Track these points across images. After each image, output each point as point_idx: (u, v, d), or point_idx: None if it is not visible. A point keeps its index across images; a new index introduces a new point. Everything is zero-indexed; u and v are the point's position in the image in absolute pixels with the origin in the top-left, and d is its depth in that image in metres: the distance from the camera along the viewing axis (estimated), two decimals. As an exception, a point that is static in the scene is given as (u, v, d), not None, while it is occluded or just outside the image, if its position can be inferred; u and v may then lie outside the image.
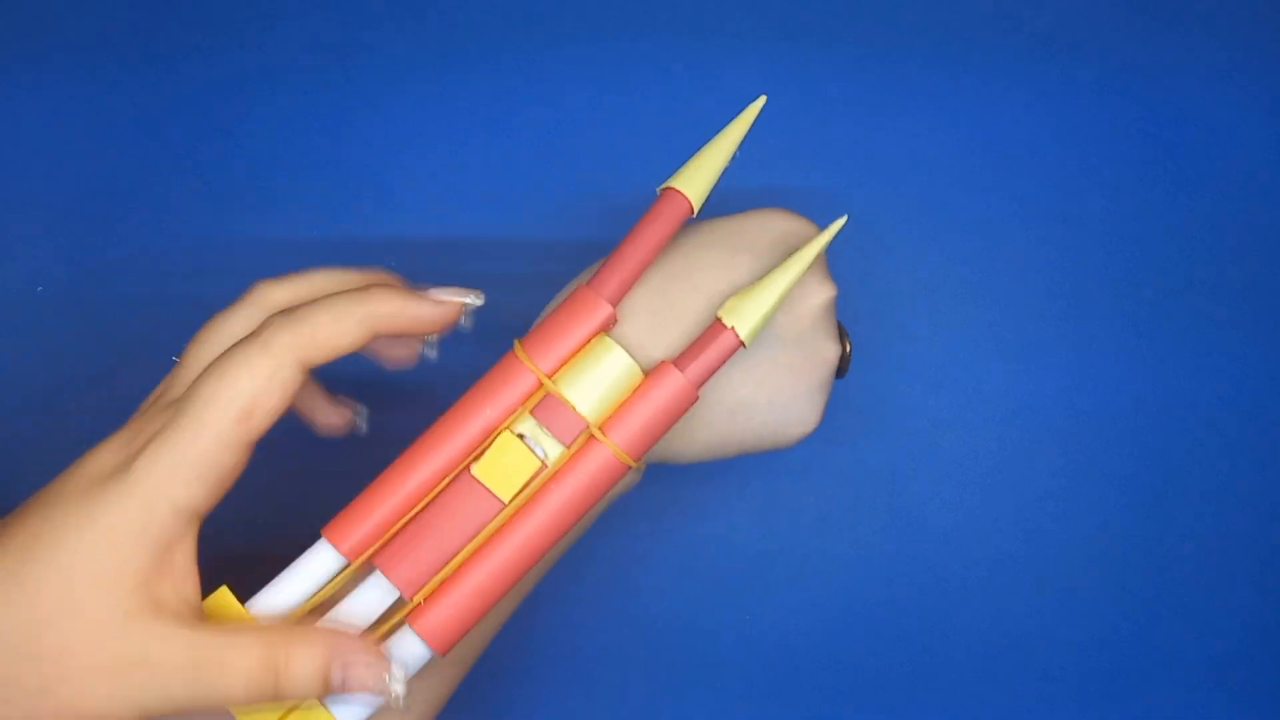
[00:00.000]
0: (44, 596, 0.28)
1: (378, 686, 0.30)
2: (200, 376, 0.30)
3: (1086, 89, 0.46)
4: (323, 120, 0.45)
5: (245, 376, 0.29)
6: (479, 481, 0.31)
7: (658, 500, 0.45)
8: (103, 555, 0.28)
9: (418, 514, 0.31)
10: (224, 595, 0.31)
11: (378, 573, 0.31)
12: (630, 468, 0.32)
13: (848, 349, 0.37)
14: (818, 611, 0.45)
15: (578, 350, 0.32)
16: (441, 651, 0.31)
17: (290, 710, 0.30)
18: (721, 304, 0.34)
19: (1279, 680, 0.45)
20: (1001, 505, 0.45)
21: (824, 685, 0.45)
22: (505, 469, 0.31)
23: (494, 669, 0.45)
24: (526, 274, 0.43)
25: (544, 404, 0.32)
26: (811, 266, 0.35)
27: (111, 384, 0.43)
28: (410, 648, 0.31)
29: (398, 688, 0.30)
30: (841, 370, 0.37)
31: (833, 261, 0.45)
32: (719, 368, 0.33)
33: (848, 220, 0.32)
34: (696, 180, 0.33)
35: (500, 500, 0.31)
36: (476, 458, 0.32)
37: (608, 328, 0.33)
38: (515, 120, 0.46)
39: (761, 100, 0.34)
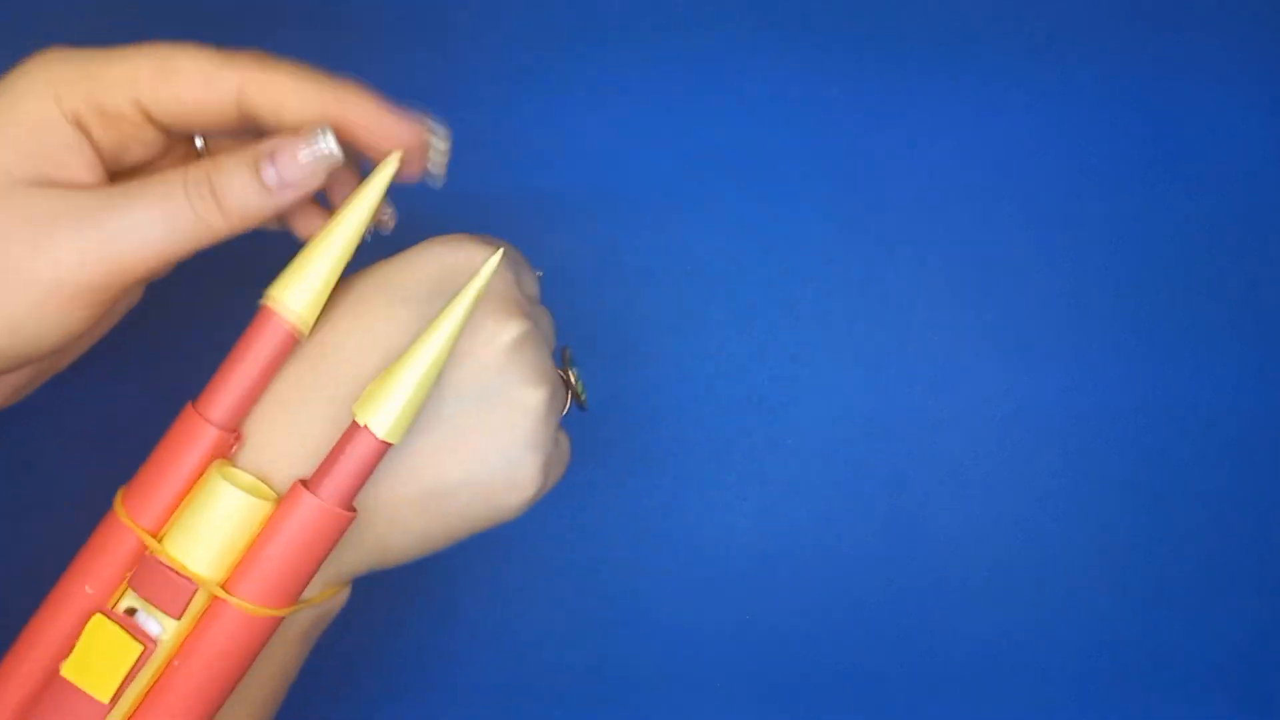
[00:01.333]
0: None
1: (314, 149, 0.27)
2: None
3: (1086, 89, 0.46)
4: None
5: (187, 56, 0.28)
6: (71, 684, 0.25)
7: (657, 502, 0.45)
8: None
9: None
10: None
11: None
12: (276, 620, 0.26)
13: (574, 378, 0.32)
14: (818, 612, 0.45)
15: (186, 491, 0.26)
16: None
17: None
18: (377, 371, 0.28)
19: (1278, 682, 0.45)
20: (1001, 506, 0.45)
21: (824, 686, 0.45)
22: (99, 662, 0.25)
23: (489, 677, 0.45)
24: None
25: (143, 570, 0.26)
26: (476, 309, 0.28)
27: (111, 384, 0.43)
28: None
29: (329, 143, 0.27)
30: (580, 403, 0.32)
31: (833, 261, 0.45)
32: (369, 474, 0.26)
33: (501, 255, 0.28)
34: (305, 292, 0.27)
35: (100, 703, 0.25)
36: (66, 654, 0.26)
37: (223, 452, 0.27)
38: (515, 120, 0.46)
39: (395, 157, 0.29)
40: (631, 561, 0.45)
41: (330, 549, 0.27)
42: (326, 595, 0.29)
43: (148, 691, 0.26)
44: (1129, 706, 0.45)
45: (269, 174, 0.27)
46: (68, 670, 0.26)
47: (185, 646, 0.26)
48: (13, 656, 0.26)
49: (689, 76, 0.46)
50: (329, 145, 0.27)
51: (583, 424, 0.35)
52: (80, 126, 0.28)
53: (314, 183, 0.27)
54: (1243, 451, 0.46)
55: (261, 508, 0.26)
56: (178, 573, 0.26)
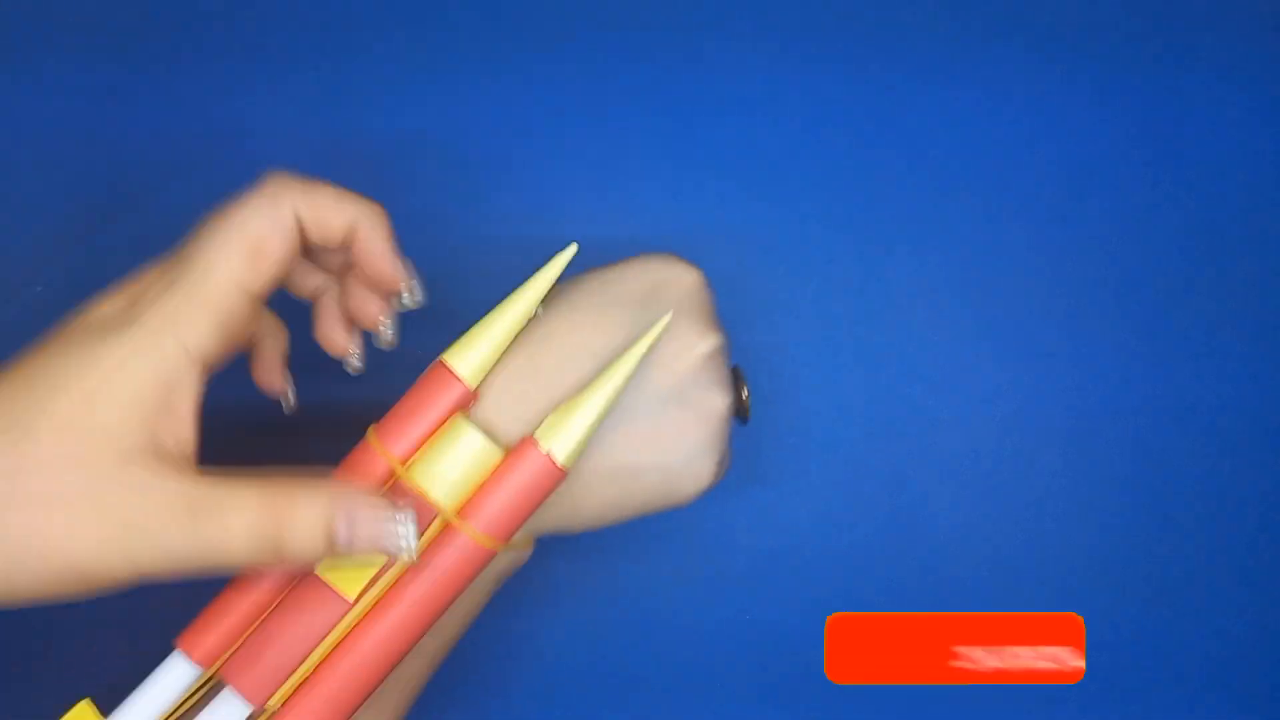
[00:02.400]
0: (39, 439, 0.26)
1: (389, 543, 0.29)
2: (204, 226, 0.29)
3: (1086, 89, 0.46)
4: (323, 121, 0.45)
5: (252, 217, 0.29)
6: (323, 581, 0.30)
7: (658, 501, 0.45)
8: (104, 397, 0.27)
9: (267, 620, 0.30)
10: (85, 710, 0.29)
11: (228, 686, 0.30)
12: (494, 552, 0.31)
13: (744, 395, 0.36)
14: (818, 612, 0.45)
15: (432, 433, 0.31)
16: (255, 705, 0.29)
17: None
18: (595, 366, 0.32)
19: (1278, 681, 0.45)
20: (1001, 505, 0.45)
21: (824, 686, 0.45)
22: (349, 565, 0.30)
23: (488, 677, 0.45)
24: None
25: (393, 492, 0.30)
26: (689, 313, 0.33)
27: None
28: (230, 705, 0.29)
29: (409, 543, 0.29)
30: (743, 417, 0.36)
31: (832, 262, 0.45)
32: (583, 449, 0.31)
33: (671, 317, 0.32)
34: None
35: (345, 599, 0.30)
36: None
37: (464, 406, 0.31)
38: (515, 120, 0.46)
39: (572, 249, 0.32)
40: (631, 561, 0.45)
41: (543, 498, 0.31)
42: (521, 545, 0.33)
43: (380, 598, 0.30)
44: (1129, 706, 0.45)
45: (341, 533, 0.28)
46: (321, 569, 0.30)
47: (416, 564, 0.30)
48: None
49: (689, 76, 0.46)
50: (409, 539, 0.29)
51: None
52: (205, 369, 0.29)
53: (372, 553, 0.29)
54: (1243, 451, 0.46)
55: (494, 454, 0.30)
56: (422, 497, 0.30)
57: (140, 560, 0.27)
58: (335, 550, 0.28)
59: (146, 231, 0.44)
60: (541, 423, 0.31)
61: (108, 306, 0.30)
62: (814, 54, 0.46)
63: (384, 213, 0.31)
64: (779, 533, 0.45)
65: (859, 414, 0.45)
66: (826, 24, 0.46)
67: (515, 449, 0.31)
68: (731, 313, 0.45)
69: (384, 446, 0.31)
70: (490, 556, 0.31)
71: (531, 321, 0.33)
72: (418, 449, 0.31)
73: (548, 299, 0.33)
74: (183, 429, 0.28)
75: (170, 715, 0.30)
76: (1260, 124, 0.46)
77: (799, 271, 0.46)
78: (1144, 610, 0.45)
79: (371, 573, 0.30)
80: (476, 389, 0.32)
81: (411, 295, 0.32)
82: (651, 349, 0.32)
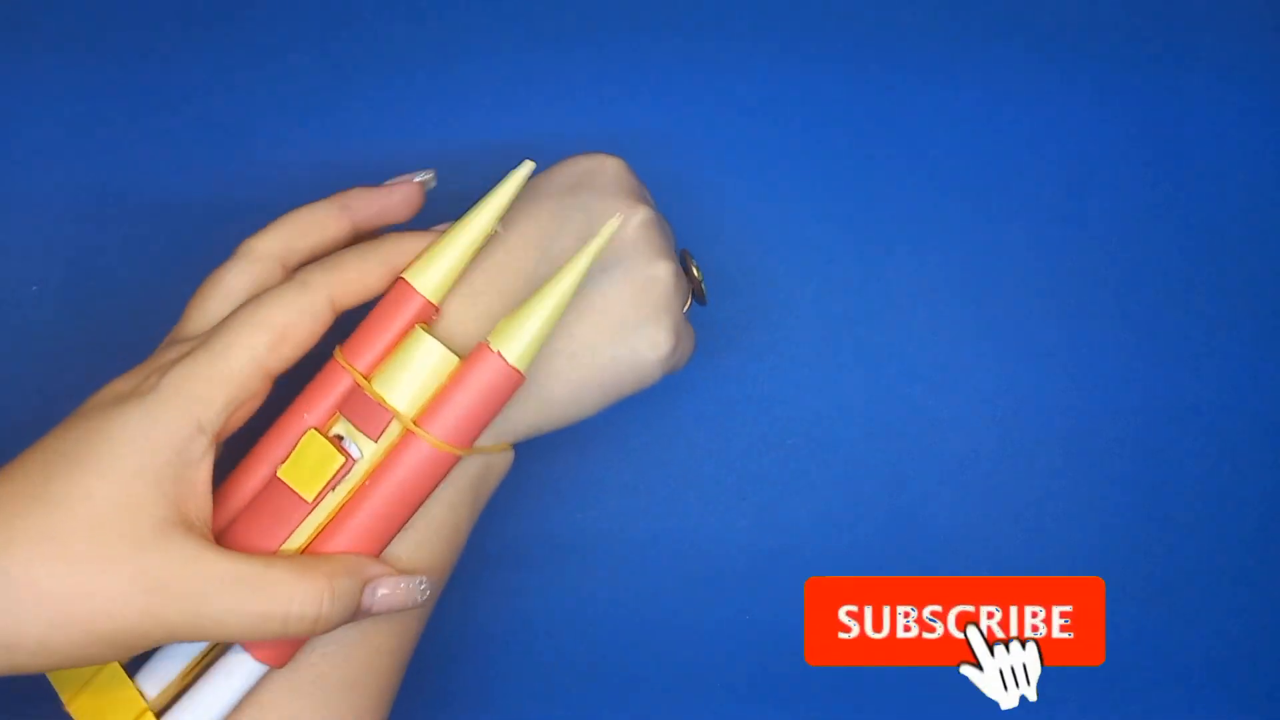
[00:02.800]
0: (72, 509, 0.27)
1: (408, 600, 0.32)
2: (235, 311, 0.31)
3: (1086, 89, 0.46)
4: (324, 121, 0.45)
5: (279, 306, 0.30)
6: (285, 483, 0.31)
7: (657, 502, 0.45)
8: (128, 468, 0.28)
9: (238, 524, 0.31)
10: (115, 669, 0.31)
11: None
12: (455, 457, 0.32)
13: (696, 273, 0.37)
14: (818, 612, 0.45)
15: (393, 346, 0.32)
16: (274, 664, 0.31)
17: (89, 681, 0.31)
18: (541, 259, 0.34)
19: (1279, 681, 0.45)
20: (1001, 505, 0.45)
21: (824, 686, 0.45)
22: (308, 468, 0.31)
23: (488, 677, 0.44)
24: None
25: (352, 401, 0.32)
26: (616, 194, 0.35)
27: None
28: (239, 663, 0.31)
29: (421, 595, 0.32)
30: (700, 297, 0.37)
31: (832, 262, 0.45)
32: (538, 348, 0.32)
33: (620, 221, 0.33)
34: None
35: (305, 502, 0.31)
36: (284, 460, 0.32)
37: (425, 319, 0.33)
38: (515, 121, 0.46)
39: (528, 166, 0.34)
40: (631, 561, 0.45)
41: (503, 403, 0.32)
42: (496, 449, 0.34)
43: (342, 505, 0.31)
44: (1129, 706, 0.45)
45: (368, 598, 0.31)
46: (283, 473, 0.31)
47: (377, 471, 0.31)
48: (243, 465, 0.32)
49: (688, 76, 0.46)
50: (422, 597, 0.32)
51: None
52: (216, 441, 0.30)
53: (391, 610, 0.32)
54: (1243, 451, 0.46)
55: (451, 362, 0.32)
56: (380, 404, 0.31)
57: (177, 629, 0.28)
58: (358, 614, 0.31)
59: (145, 231, 0.44)
60: (494, 327, 0.32)
61: (123, 384, 0.30)
62: (814, 54, 0.46)
63: (402, 237, 0.33)
64: (779, 533, 0.45)
65: (859, 414, 0.45)
66: (826, 24, 0.46)
67: (470, 355, 0.32)
68: (731, 312, 0.45)
69: (349, 362, 0.32)
70: (452, 462, 0.32)
71: (492, 239, 0.34)
72: (378, 363, 0.32)
73: (505, 217, 0.34)
74: (200, 501, 0.29)
75: (191, 668, 0.32)
76: (1260, 124, 0.46)
77: (799, 271, 0.45)
78: (1144, 610, 0.45)
79: (328, 475, 0.31)
80: (439, 305, 0.33)
81: (428, 177, 0.36)
82: (601, 251, 0.32)
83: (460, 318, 0.33)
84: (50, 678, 0.31)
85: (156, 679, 0.31)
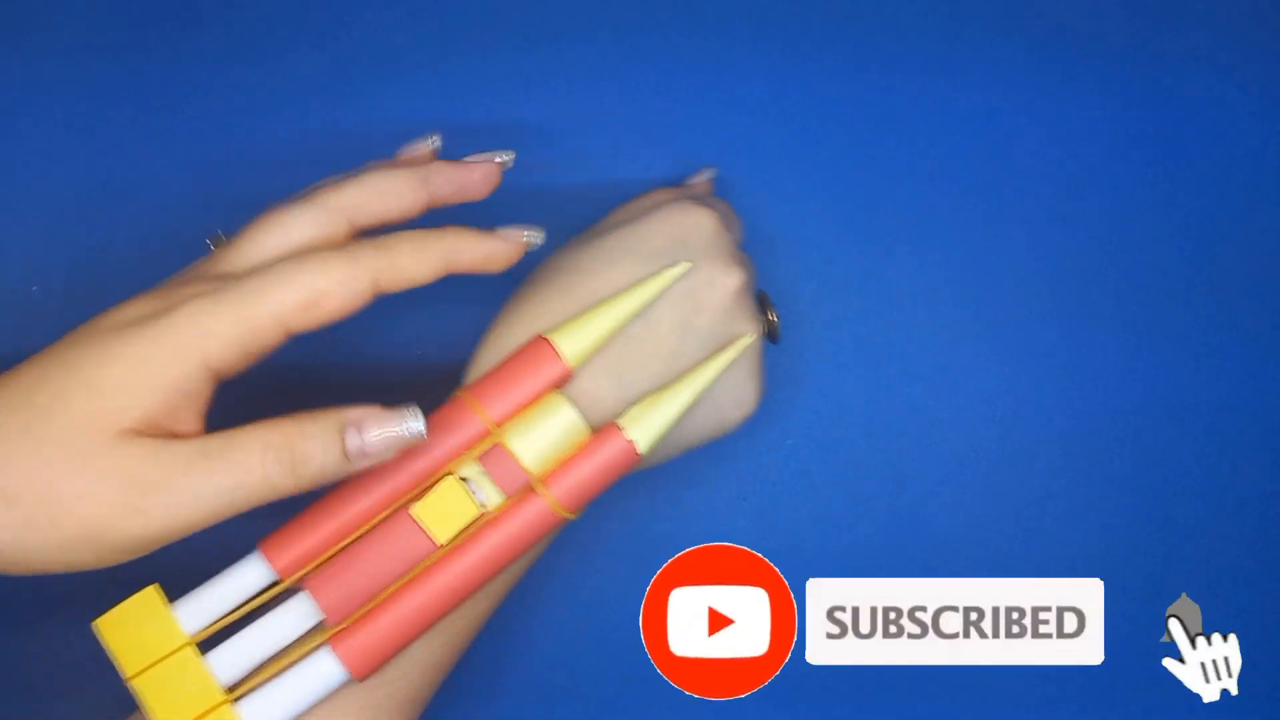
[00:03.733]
0: (50, 418, 0.27)
1: (398, 430, 0.30)
2: (280, 261, 0.30)
3: (1086, 89, 0.46)
4: (324, 121, 0.45)
5: (323, 273, 0.30)
6: (416, 521, 0.32)
7: (658, 502, 0.45)
8: (119, 385, 0.28)
9: (353, 544, 0.32)
10: (152, 595, 0.31)
11: (303, 594, 0.32)
12: (564, 520, 0.33)
13: (772, 318, 0.38)
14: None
15: (528, 403, 0.33)
16: (359, 677, 0.32)
17: (156, 661, 0.31)
18: (640, 324, 0.35)
19: (1279, 682, 0.45)
20: (1001, 505, 0.45)
21: (824, 686, 0.45)
22: (444, 512, 0.32)
23: (487, 677, 0.44)
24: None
25: (491, 453, 0.33)
26: (714, 257, 0.36)
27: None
28: (327, 669, 0.32)
29: (417, 425, 0.30)
30: (774, 338, 0.39)
31: (832, 262, 0.45)
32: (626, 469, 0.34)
33: (686, 268, 0.35)
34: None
35: (434, 542, 0.32)
36: (417, 497, 0.32)
37: (561, 384, 0.34)
38: (515, 120, 0.46)
39: (684, 266, 0.35)
40: (631, 561, 0.45)
41: (617, 478, 0.34)
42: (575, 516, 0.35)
43: (456, 546, 0.32)
44: (1129, 705, 0.45)
45: (353, 443, 0.29)
46: (417, 511, 0.32)
47: (496, 520, 0.32)
48: (359, 487, 0.32)
49: (688, 76, 0.46)
50: (417, 427, 0.30)
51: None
52: (218, 379, 0.29)
53: (390, 457, 0.30)
54: (1243, 450, 0.46)
55: (582, 432, 0.33)
56: (517, 462, 0.32)
57: (153, 519, 0.27)
58: (349, 457, 0.29)
59: (145, 231, 0.44)
60: (627, 411, 0.34)
61: (138, 306, 0.30)
62: (814, 54, 0.46)
63: (466, 238, 0.33)
64: (779, 533, 0.45)
65: (859, 414, 0.45)
66: (826, 24, 0.46)
67: (601, 431, 0.33)
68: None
69: (482, 408, 0.33)
70: (560, 525, 0.33)
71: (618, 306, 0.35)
72: (511, 416, 0.33)
73: (576, 242, 0.37)
74: (188, 433, 0.29)
75: (233, 613, 0.32)
76: (1260, 124, 0.46)
77: (799, 271, 0.46)
78: (1144, 609, 0.45)
79: (463, 524, 0.32)
80: (573, 370, 0.34)
81: (533, 239, 0.35)
82: (731, 363, 0.35)
83: (590, 386, 0.34)
84: (113, 651, 0.31)
85: (230, 664, 0.32)
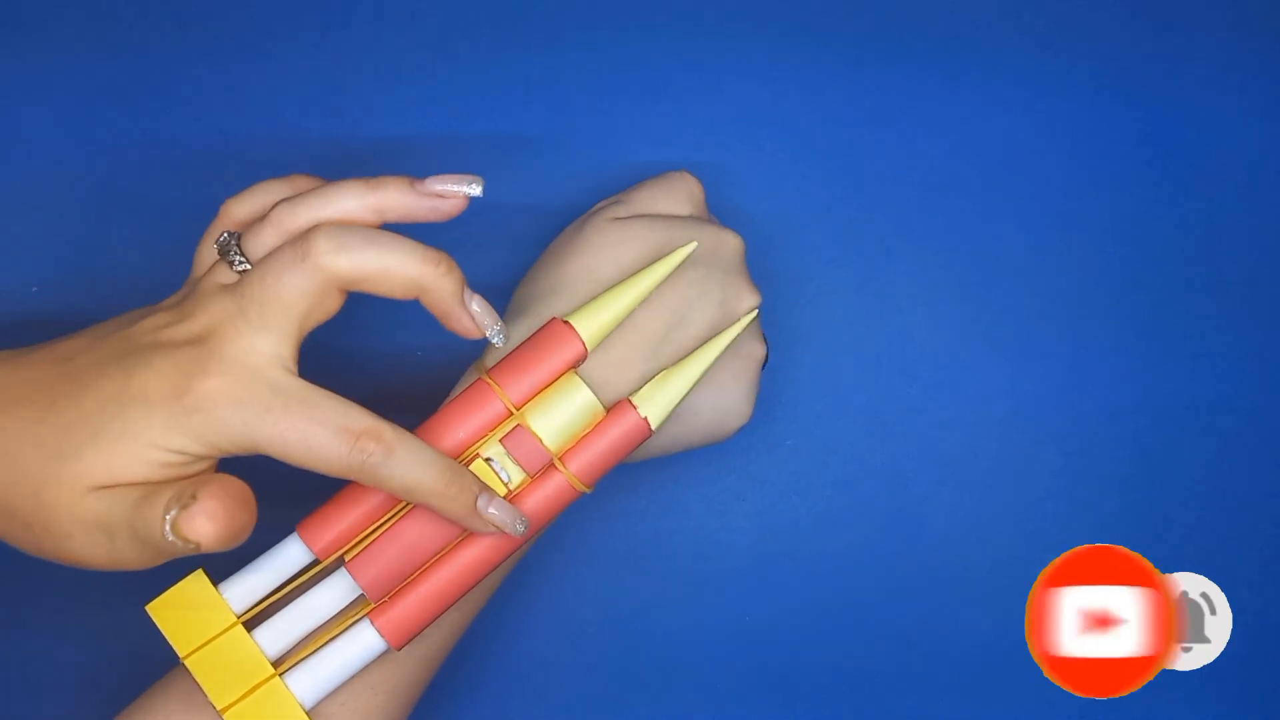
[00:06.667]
0: (74, 437, 0.30)
1: (509, 526, 0.33)
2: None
3: (1086, 89, 0.46)
4: (323, 121, 0.45)
5: (291, 280, 0.31)
6: None
7: (658, 503, 0.45)
8: (124, 461, 0.29)
9: (388, 525, 0.34)
10: (200, 578, 0.33)
11: (342, 571, 0.34)
12: (581, 494, 0.35)
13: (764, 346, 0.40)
14: (817, 613, 0.45)
15: (547, 384, 0.35)
16: (397, 646, 0.34)
17: (252, 689, 0.33)
18: (675, 328, 0.37)
19: (1278, 684, 0.45)
20: (1001, 505, 0.45)
21: (823, 687, 0.45)
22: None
23: (487, 677, 0.44)
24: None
25: (513, 434, 0.34)
26: (740, 281, 0.38)
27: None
28: (369, 641, 0.34)
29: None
30: (766, 361, 0.40)
31: (833, 262, 0.46)
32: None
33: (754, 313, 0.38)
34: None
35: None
36: None
37: (577, 363, 0.35)
38: (514, 121, 0.46)
39: (691, 246, 0.37)
40: (632, 561, 0.45)
41: (630, 452, 0.36)
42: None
43: None
44: (1129, 705, 0.45)
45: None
46: None
47: (519, 496, 0.34)
48: None
49: (687, 77, 0.46)
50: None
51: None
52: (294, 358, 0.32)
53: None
54: (1242, 450, 0.46)
55: (597, 411, 0.35)
56: (539, 442, 0.34)
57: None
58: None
59: (145, 232, 0.44)
60: (640, 388, 0.35)
61: (159, 320, 0.32)
62: (814, 54, 0.46)
63: (448, 271, 0.33)
64: (779, 533, 0.45)
65: (859, 414, 0.45)
66: (826, 24, 0.46)
67: (615, 408, 0.35)
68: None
69: (501, 387, 0.34)
70: (576, 498, 0.35)
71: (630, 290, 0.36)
72: (531, 397, 0.35)
73: (581, 220, 0.39)
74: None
75: (275, 593, 0.34)
76: (1260, 124, 0.46)
77: (799, 271, 0.46)
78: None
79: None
80: (588, 351, 0.35)
81: (499, 337, 0.34)
82: (739, 334, 0.37)
83: (603, 366, 0.36)
84: (166, 633, 0.32)
85: (276, 640, 0.33)
